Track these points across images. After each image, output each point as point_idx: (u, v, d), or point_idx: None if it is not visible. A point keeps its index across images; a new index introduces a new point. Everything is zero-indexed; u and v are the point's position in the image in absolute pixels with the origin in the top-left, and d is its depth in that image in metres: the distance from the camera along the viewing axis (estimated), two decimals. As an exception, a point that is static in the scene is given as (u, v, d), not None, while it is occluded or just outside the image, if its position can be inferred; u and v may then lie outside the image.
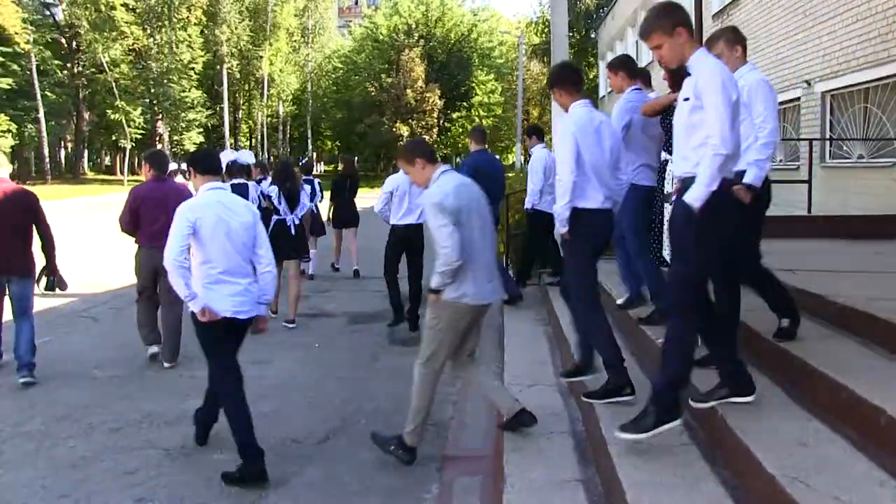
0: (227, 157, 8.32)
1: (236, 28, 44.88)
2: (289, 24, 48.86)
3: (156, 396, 5.29)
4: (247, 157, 8.55)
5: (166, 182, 6.16)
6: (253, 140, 56.03)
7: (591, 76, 43.51)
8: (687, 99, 3.00)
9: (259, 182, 8.27)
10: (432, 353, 3.89)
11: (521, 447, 3.73)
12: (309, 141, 54.28)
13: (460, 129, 55.56)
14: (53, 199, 27.28)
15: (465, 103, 54.82)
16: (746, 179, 3.49)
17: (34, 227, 5.71)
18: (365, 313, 8.20)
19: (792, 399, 3.17)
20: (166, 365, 6.04)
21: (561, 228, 3.90)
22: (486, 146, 7.80)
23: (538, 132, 8.37)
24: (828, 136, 12.06)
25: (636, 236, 4.83)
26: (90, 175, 46.93)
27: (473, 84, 55.59)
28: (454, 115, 54.06)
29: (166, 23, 40.78)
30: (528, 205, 7.77)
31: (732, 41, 3.85)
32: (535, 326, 6.76)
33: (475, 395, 5.28)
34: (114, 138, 44.81)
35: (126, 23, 39.00)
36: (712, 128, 2.86)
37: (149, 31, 40.99)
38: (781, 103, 13.59)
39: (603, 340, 3.85)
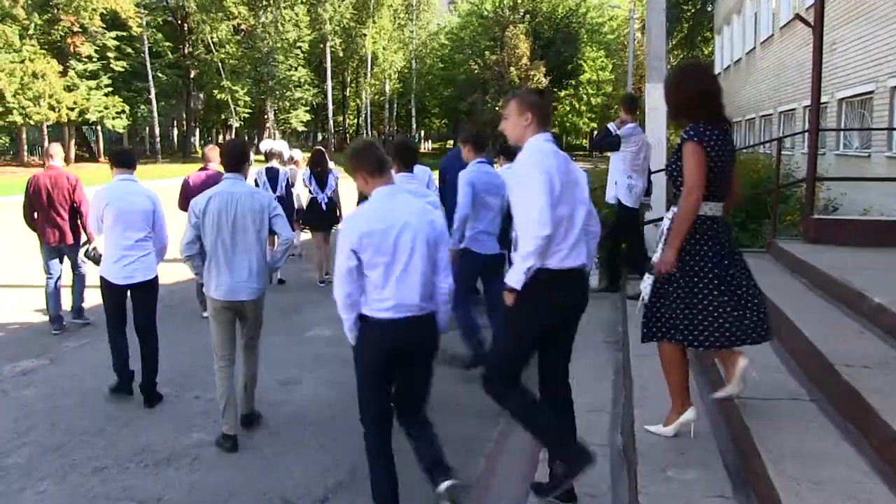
0: (266, 145, 10.06)
1: (339, 7, 44.90)
2: (392, 1, 48.50)
3: (158, 426, 4.79)
4: (281, 146, 9.98)
5: (212, 172, 7.52)
6: (360, 118, 56.36)
7: (707, 52, 40.62)
8: None
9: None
10: (214, 342, 4.45)
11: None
12: (413, 119, 53.95)
13: (567, 108, 53.41)
14: (156, 179, 28.12)
15: (572, 81, 52.71)
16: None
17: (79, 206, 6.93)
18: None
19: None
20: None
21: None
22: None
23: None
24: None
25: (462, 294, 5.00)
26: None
27: (581, 61, 53.32)
28: (561, 94, 52.05)
29: (272, 2, 41.27)
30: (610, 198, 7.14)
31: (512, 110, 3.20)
32: (605, 352, 5.65)
33: (512, 449, 4.44)
34: (223, 117, 46.12)
35: (233, 3, 39.65)
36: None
37: (255, 11, 41.65)
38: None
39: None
